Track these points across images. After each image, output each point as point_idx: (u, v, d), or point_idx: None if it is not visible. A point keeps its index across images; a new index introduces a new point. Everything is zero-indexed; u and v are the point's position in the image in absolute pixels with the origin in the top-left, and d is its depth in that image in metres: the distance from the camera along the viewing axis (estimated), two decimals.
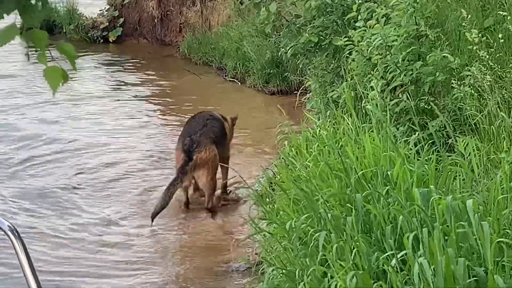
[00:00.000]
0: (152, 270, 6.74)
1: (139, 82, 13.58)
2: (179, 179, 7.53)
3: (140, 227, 7.54)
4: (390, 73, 6.41)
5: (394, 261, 4.10)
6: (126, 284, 6.49)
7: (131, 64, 14.90)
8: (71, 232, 7.47)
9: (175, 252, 7.15)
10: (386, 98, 6.36)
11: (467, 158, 5.11)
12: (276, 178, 6.87)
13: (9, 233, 2.79)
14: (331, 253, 4.41)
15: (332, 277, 4.37)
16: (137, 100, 12.40)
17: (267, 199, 6.61)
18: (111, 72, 14.45)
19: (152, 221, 7.41)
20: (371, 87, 6.48)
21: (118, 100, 12.38)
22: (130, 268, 6.76)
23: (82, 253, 7.02)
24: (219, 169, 8.05)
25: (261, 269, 5.79)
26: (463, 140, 5.25)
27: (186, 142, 7.71)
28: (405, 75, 6.29)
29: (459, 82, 5.99)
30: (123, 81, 13.66)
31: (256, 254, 6.35)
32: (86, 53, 15.58)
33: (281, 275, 5.02)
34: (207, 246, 7.18)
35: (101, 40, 16.55)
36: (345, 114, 6.68)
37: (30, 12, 2.12)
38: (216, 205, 7.89)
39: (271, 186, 6.86)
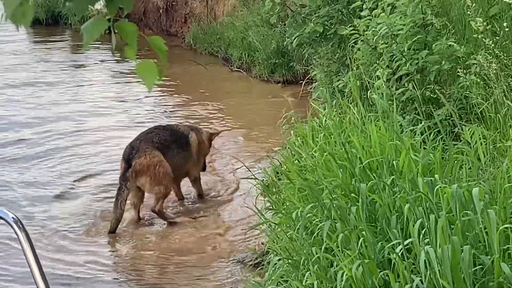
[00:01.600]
0: (159, 264, 6.76)
1: None
2: (123, 187, 7.28)
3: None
4: (395, 62, 6.39)
5: (399, 248, 4.09)
6: (128, 280, 6.48)
7: (136, 55, 14.86)
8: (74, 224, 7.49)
9: (182, 243, 7.15)
10: (392, 87, 6.35)
11: (473, 146, 5.09)
12: (282, 168, 6.86)
13: (14, 224, 2.79)
14: (336, 242, 4.41)
15: (338, 266, 4.36)
16: (141, 89, 12.41)
17: (273, 189, 6.60)
18: (115, 62, 14.45)
19: (113, 233, 7.25)
20: (377, 76, 6.47)
21: (121, 89, 12.39)
22: (132, 264, 6.76)
23: (79, 250, 7.00)
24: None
25: (267, 259, 5.79)
26: (469, 129, 5.23)
27: (126, 150, 7.50)
28: (411, 64, 6.27)
29: (465, 71, 5.97)
30: (127, 72, 13.66)
31: (262, 244, 6.35)
32: (91, 44, 15.58)
33: (286, 264, 5.01)
34: (213, 237, 7.18)
35: (107, 31, 16.54)
36: (351, 103, 6.67)
37: (116, 2, 1.98)
38: (162, 211, 7.52)
39: (277, 176, 6.85)
